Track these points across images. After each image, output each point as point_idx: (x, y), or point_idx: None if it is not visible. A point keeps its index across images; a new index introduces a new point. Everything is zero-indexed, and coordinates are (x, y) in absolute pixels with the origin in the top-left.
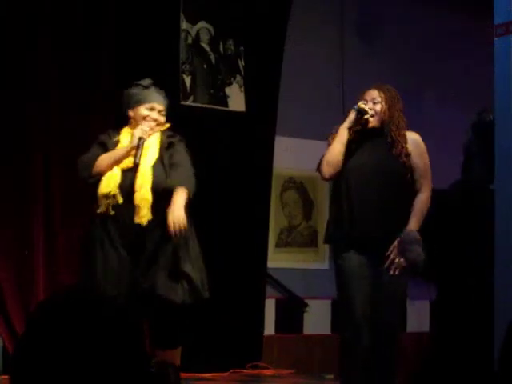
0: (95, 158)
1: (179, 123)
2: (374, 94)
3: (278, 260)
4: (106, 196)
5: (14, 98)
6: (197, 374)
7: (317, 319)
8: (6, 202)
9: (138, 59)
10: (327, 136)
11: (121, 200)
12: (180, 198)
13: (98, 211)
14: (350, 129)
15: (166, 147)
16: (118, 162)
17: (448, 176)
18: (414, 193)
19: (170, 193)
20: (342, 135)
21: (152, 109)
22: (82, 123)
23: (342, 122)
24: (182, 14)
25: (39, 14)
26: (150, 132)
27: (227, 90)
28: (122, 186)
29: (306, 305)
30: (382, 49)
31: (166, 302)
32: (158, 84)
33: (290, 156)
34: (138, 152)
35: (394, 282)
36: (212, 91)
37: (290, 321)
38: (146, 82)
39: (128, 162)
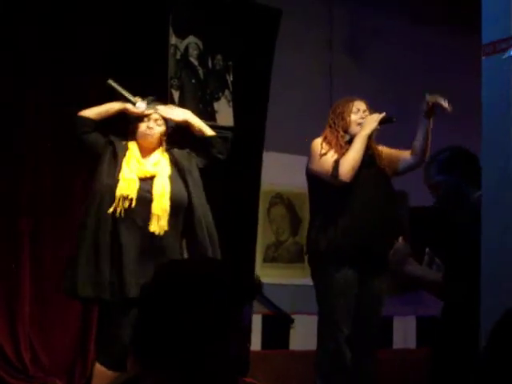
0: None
1: (168, 137)
2: (363, 105)
3: (264, 275)
4: (124, 198)
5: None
6: None
7: (303, 335)
8: None
9: (127, 74)
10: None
11: (134, 205)
12: None
13: (110, 211)
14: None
15: (185, 158)
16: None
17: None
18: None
19: (185, 209)
20: (364, 142)
21: None
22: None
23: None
24: (170, 29)
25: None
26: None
27: (215, 105)
28: (138, 192)
29: (293, 320)
30: (371, 64)
31: None
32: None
33: (277, 172)
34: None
35: (381, 295)
36: (200, 106)
37: (276, 336)
38: None
39: (145, 172)
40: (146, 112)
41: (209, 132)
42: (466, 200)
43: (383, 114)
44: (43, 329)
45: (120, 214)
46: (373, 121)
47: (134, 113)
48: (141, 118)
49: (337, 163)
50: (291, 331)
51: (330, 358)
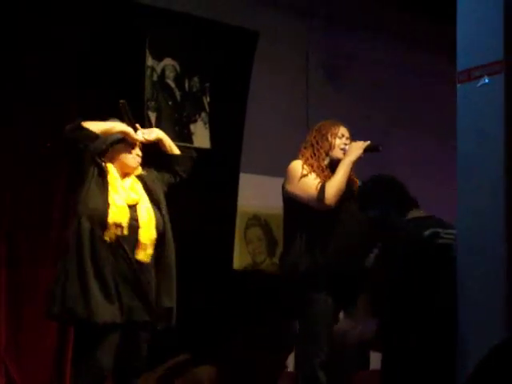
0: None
1: (143, 160)
2: (347, 132)
3: None
4: (117, 225)
5: None
6: None
7: None
8: None
9: (103, 96)
10: (302, 165)
11: (126, 232)
12: None
13: (106, 239)
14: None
15: (153, 182)
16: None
17: None
18: None
19: (163, 235)
20: (350, 168)
21: None
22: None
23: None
24: (147, 51)
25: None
26: None
27: (192, 127)
28: (128, 220)
29: None
30: (347, 86)
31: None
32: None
33: (254, 193)
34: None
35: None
36: (177, 128)
37: None
38: None
39: (132, 200)
40: (141, 140)
41: (176, 150)
42: (392, 231)
43: (368, 142)
44: (18, 352)
45: (111, 240)
46: (358, 147)
47: (133, 139)
48: (132, 144)
49: (322, 187)
50: None
51: (306, 383)
